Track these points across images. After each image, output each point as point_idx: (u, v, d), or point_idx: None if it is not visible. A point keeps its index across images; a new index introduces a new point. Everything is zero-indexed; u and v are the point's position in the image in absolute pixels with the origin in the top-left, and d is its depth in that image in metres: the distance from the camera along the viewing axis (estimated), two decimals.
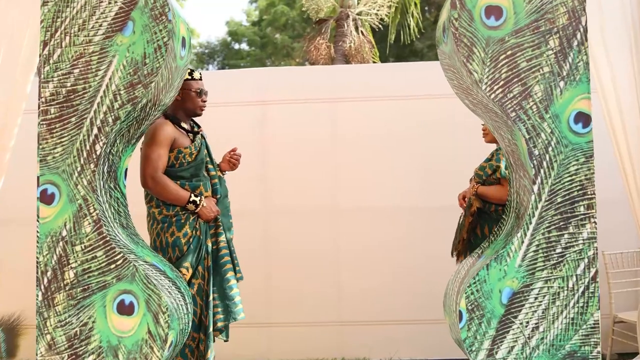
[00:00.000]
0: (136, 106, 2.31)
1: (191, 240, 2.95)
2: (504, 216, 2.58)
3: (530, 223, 2.26)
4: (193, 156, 3.01)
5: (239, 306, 3.03)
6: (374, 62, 9.94)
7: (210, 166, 3.13)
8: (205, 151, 3.13)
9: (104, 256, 2.27)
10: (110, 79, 2.30)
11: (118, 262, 2.26)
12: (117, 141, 2.41)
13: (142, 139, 3.00)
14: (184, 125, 3.07)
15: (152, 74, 2.31)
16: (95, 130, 2.30)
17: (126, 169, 2.58)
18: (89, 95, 2.30)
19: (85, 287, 2.26)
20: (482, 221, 3.01)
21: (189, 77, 3.09)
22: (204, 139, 3.17)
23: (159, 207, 2.98)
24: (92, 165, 2.29)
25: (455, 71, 2.43)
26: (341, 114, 4.27)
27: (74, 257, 2.27)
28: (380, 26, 10.91)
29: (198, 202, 2.95)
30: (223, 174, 3.25)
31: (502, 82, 2.28)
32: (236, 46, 19.39)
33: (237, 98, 4.32)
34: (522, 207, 2.35)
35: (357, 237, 4.16)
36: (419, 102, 4.21)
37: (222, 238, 3.06)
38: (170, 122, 3.02)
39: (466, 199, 3.19)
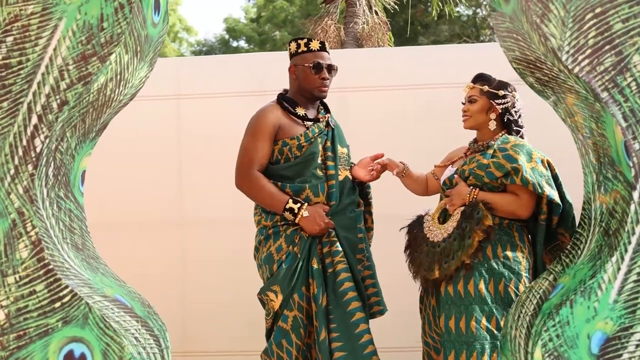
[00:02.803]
0: (90, 86, 1.70)
1: (284, 257, 2.34)
2: (579, 230, 1.97)
3: (629, 243, 1.65)
4: (303, 149, 2.40)
5: (370, 348, 2.29)
6: (389, 47, 9.14)
7: (330, 163, 2.44)
8: (328, 143, 2.46)
9: (45, 291, 1.65)
10: (55, 49, 1.69)
11: (65, 300, 1.65)
12: (68, 134, 1.80)
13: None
14: (299, 110, 2.45)
15: (111, 42, 1.70)
16: (34, 119, 1.69)
17: (84, 172, 1.97)
18: (27, 71, 1.69)
19: (21, 332, 1.65)
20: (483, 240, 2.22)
21: (305, 49, 2.46)
22: (333, 128, 2.50)
23: (260, 215, 2.44)
24: (30, 167, 1.68)
25: (520, 38, 1.83)
26: (353, 105, 3.68)
27: (6, 292, 1.66)
28: (396, 6, 10.12)
29: (297, 211, 2.33)
30: (356, 180, 2.56)
31: (589, 51, 1.67)
32: (234, 44, 18.90)
33: (231, 87, 3.73)
34: (614, 221, 1.74)
35: (378, 248, 3.56)
36: (445, 91, 3.61)
37: (341, 258, 2.34)
38: (280, 107, 2.44)
39: (446, 201, 2.37)
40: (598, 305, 1.65)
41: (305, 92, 2.49)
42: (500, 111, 2.41)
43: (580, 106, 1.81)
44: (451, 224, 2.28)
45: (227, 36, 19.02)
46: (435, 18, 11.27)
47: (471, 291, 2.20)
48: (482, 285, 2.20)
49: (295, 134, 2.42)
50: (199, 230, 3.76)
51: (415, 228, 2.46)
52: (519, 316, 1.86)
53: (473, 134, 2.53)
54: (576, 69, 1.67)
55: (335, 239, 2.38)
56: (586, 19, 1.67)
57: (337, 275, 2.33)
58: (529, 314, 1.80)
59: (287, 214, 2.35)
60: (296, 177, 2.42)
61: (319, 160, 2.44)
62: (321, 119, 2.51)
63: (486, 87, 2.41)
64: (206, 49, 19.13)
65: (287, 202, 2.34)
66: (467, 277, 2.21)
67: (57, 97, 1.69)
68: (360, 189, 2.62)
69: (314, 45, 2.48)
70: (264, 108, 2.49)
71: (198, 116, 3.75)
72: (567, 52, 1.67)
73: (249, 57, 4.31)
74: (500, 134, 2.41)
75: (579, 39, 1.67)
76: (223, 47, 18.91)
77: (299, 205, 2.34)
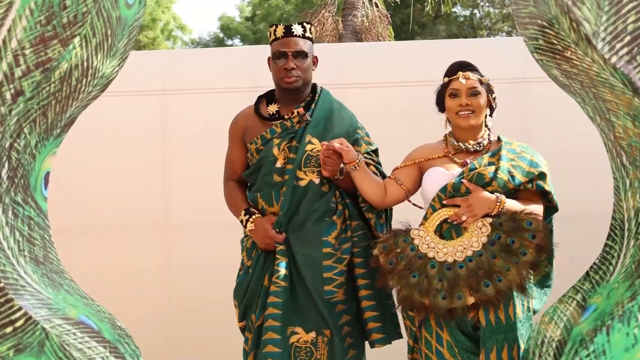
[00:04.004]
0: (50, 74, 1.47)
1: (241, 272, 2.25)
2: (609, 242, 1.75)
3: None
4: (261, 153, 2.22)
5: None
6: (390, 41, 8.83)
7: (289, 166, 2.16)
8: (294, 142, 2.18)
9: None
10: (9, 31, 1.45)
11: (18, 324, 1.42)
12: (25, 130, 1.56)
13: None
14: (271, 108, 2.24)
15: (75, 23, 1.46)
16: None
17: (47, 174, 1.73)
18: None
19: None
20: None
21: (273, 38, 2.28)
22: (305, 124, 2.19)
23: None
24: None
25: (546, 24, 1.60)
26: (352, 102, 3.46)
27: None
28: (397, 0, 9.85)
29: (244, 223, 2.19)
30: (338, 178, 2.19)
31: (628, 38, 1.45)
32: (229, 42, 18.73)
33: (220, 82, 3.53)
34: None
35: None
36: None
37: (275, 279, 2.09)
38: (253, 107, 2.28)
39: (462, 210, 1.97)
40: (639, 332, 1.42)
41: (277, 85, 2.29)
42: (494, 107, 2.17)
43: (614, 102, 1.59)
44: (475, 239, 1.93)
45: (221, 35, 18.84)
46: (432, 15, 11.01)
47: (511, 316, 1.91)
48: (519, 308, 1.93)
49: (255, 137, 2.23)
50: (186, 234, 3.56)
51: (398, 247, 2.01)
52: (542, 342, 1.64)
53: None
54: (613, 59, 1.45)
55: (280, 255, 2.11)
56: (625, 1, 1.45)
57: (268, 296, 2.10)
58: (556, 339, 1.57)
59: (243, 226, 2.23)
60: (254, 184, 2.26)
61: (278, 164, 2.17)
62: (287, 116, 2.22)
63: (485, 78, 2.13)
64: (200, 47, 18.95)
65: (240, 214, 2.20)
66: (507, 301, 1.90)
67: (11, 86, 1.45)
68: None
69: (279, 31, 2.26)
70: (240, 111, 2.36)
71: (184, 113, 3.57)
72: (603, 39, 1.45)
73: (239, 51, 4.12)
74: (487, 133, 2.15)
75: (617, 24, 1.45)
76: (217, 46, 18.73)
77: (247, 217, 2.17)
